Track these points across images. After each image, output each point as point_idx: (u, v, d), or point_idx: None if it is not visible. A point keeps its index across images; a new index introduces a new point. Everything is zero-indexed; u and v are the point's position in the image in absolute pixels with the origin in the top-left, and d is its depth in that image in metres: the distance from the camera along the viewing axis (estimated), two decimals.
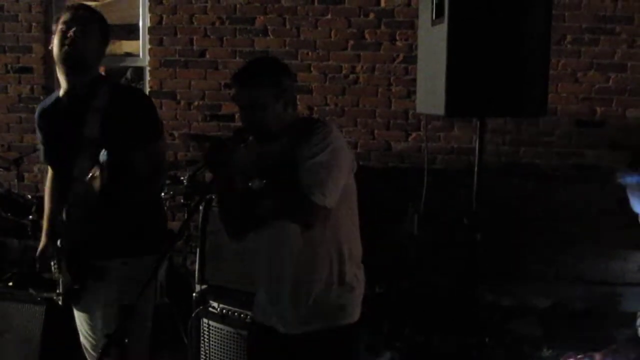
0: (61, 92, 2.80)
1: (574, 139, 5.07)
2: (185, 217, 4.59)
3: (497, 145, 5.05)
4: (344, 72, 5.13)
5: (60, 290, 2.80)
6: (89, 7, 2.87)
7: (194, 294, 3.51)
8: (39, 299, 3.48)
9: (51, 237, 2.89)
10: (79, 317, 2.91)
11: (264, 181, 2.44)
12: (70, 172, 2.71)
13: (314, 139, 2.37)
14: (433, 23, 3.07)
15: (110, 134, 2.64)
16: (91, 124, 2.66)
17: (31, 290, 3.43)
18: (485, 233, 3.29)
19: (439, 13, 2.99)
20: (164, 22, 5.28)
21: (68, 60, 2.67)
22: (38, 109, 2.92)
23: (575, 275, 5.08)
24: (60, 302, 2.83)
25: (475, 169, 3.22)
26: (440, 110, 2.98)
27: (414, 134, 5.14)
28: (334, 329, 2.52)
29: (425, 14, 3.18)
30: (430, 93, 3.13)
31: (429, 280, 4.09)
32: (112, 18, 7.29)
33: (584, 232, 4.99)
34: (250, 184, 2.43)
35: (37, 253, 2.93)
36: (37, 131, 2.93)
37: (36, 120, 2.91)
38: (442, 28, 2.94)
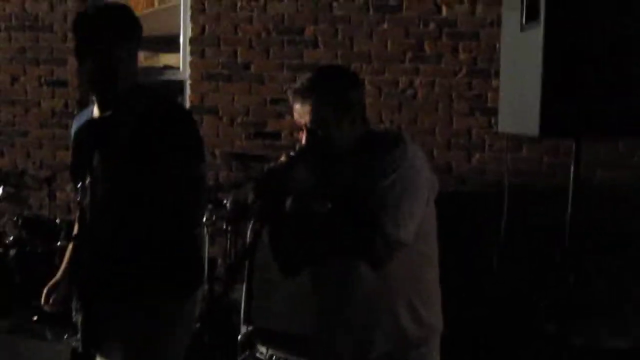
0: (95, 110, 2.42)
1: None
2: (228, 244, 4.20)
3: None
4: (401, 86, 4.72)
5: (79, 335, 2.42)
6: (89, 15, 2.35)
7: (239, 337, 3.09)
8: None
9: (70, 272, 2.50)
10: None
11: (329, 205, 2.06)
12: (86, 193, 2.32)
13: (387, 158, 2.02)
14: (523, 28, 2.64)
15: (138, 151, 2.23)
16: (117, 140, 2.26)
17: (48, 335, 3.06)
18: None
19: (532, 15, 2.56)
20: (206, 33, 4.93)
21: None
22: (73, 126, 2.56)
23: None
24: (80, 349, 2.44)
25: (570, 198, 2.76)
26: (532, 129, 2.54)
27: (477, 155, 4.69)
28: None
29: (512, 17, 2.75)
30: (518, 110, 2.70)
31: (505, 322, 3.63)
32: (151, 29, 7.03)
33: None
34: (312, 207, 2.04)
35: (47, 286, 2.53)
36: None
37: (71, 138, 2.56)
38: (537, 33, 2.51)
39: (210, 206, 3.96)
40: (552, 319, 2.88)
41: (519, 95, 2.68)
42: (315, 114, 2.08)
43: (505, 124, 2.84)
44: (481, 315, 3.56)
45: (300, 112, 2.12)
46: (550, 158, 4.56)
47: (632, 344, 4.54)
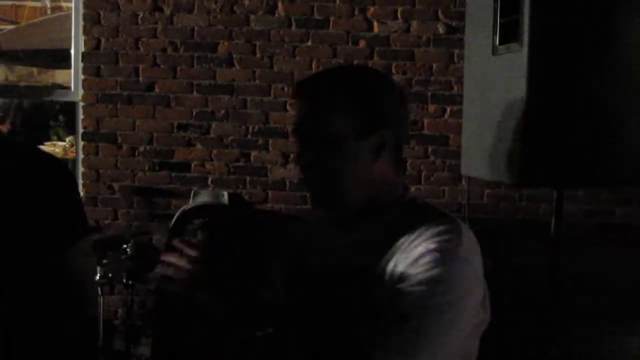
0: None
1: None
2: (130, 297, 3.53)
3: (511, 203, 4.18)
4: None
5: None
6: None
7: None
8: None
9: None
10: None
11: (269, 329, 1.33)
12: None
13: (422, 257, 1.26)
14: (497, 51, 2.14)
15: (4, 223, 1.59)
16: None
17: None
18: None
19: (510, 35, 2.06)
20: (102, 47, 4.24)
21: None
22: None
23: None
24: None
25: (551, 254, 2.28)
26: (511, 177, 2.04)
27: (413, 188, 4.20)
28: None
29: (480, 37, 2.25)
30: (488, 152, 2.19)
31: None
32: (38, 41, 6.28)
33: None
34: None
35: None
36: None
37: None
38: (518, 58, 2.00)
39: (105, 261, 3.29)
40: None
41: (489, 134, 2.17)
42: (325, 124, 1.35)
43: (470, 167, 2.33)
44: None
45: (301, 116, 1.40)
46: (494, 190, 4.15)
47: None
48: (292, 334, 1.27)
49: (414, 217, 1.33)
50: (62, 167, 1.72)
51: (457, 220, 1.33)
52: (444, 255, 1.25)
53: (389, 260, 1.29)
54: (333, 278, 1.36)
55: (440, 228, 1.28)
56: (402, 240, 1.30)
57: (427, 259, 1.24)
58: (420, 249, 1.26)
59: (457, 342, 1.26)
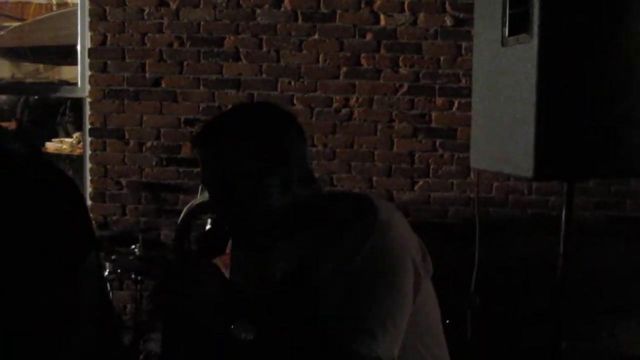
0: None
1: None
2: (138, 292, 3.53)
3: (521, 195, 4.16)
4: (334, 105, 4.17)
5: None
6: None
7: None
8: None
9: None
10: None
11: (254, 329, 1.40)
12: None
13: (345, 234, 1.39)
14: (506, 42, 2.12)
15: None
16: None
17: None
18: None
19: (520, 26, 2.03)
20: (108, 43, 4.23)
21: None
22: None
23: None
24: None
25: (561, 247, 2.26)
26: (524, 170, 2.01)
27: (421, 182, 4.19)
28: None
29: (489, 29, 2.22)
30: (500, 145, 2.17)
31: None
32: (44, 38, 6.27)
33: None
34: (233, 330, 1.37)
35: None
36: None
37: None
38: (528, 49, 1.98)
39: (114, 257, 3.29)
40: None
41: (500, 127, 2.15)
42: (223, 170, 1.46)
43: (480, 159, 2.31)
44: None
45: (201, 163, 1.51)
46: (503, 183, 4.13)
47: None
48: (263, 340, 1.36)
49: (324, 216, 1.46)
50: (73, 184, 1.59)
51: (367, 196, 1.49)
52: (366, 229, 1.38)
53: (319, 259, 1.41)
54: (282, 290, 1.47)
55: (352, 215, 1.42)
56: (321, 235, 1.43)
57: (353, 243, 1.37)
58: (345, 236, 1.38)
59: (404, 298, 1.38)
